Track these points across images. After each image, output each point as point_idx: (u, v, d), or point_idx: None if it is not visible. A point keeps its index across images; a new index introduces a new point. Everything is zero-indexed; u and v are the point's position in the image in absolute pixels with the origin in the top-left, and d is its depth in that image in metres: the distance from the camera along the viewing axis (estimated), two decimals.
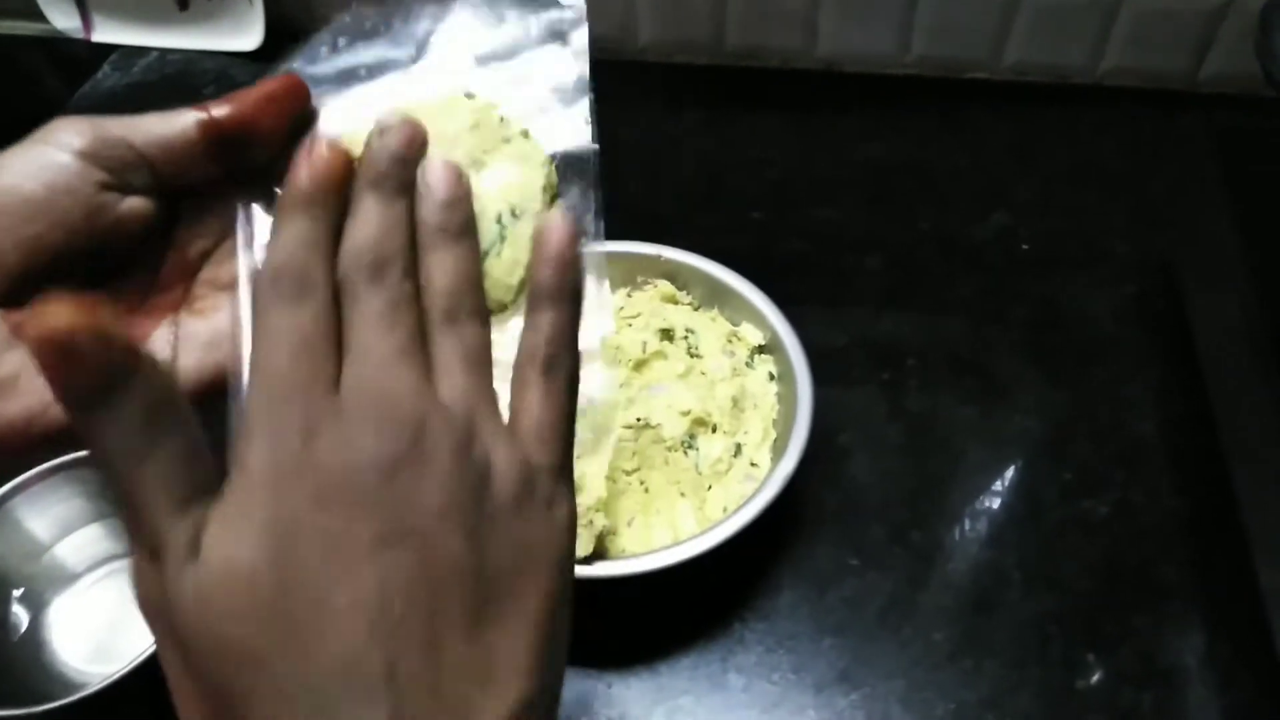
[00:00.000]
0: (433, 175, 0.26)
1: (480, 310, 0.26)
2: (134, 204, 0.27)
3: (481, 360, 0.25)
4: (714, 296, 0.60)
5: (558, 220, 0.26)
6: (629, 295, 0.61)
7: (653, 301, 0.60)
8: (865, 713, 0.48)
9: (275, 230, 0.24)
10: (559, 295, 0.26)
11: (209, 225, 0.29)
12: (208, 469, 0.23)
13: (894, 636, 0.50)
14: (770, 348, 0.58)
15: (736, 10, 0.85)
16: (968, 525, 0.55)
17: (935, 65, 0.85)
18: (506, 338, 0.26)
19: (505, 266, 0.27)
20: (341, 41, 0.29)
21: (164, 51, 0.89)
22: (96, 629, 0.52)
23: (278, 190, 0.26)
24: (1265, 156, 0.57)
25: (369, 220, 0.25)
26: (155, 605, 0.22)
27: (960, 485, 0.57)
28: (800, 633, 0.51)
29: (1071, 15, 0.79)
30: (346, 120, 0.28)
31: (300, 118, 0.28)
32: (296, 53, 0.29)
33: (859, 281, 0.69)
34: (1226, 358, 0.54)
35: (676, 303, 0.60)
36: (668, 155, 0.80)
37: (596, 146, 0.29)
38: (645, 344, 0.57)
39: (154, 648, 0.45)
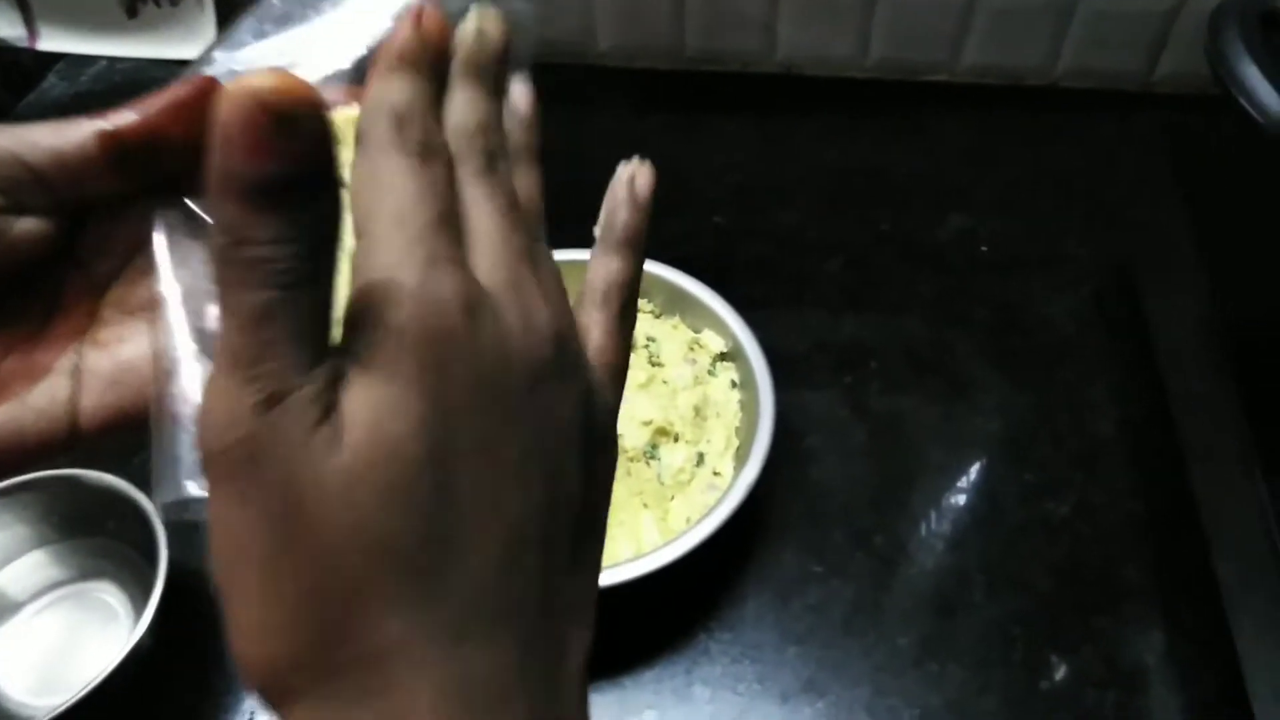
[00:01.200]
0: (516, 91, 0.25)
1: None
2: (29, 225, 0.24)
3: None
4: (675, 304, 0.60)
5: (647, 168, 0.27)
6: None
7: None
8: None
9: (382, 81, 0.22)
10: (637, 243, 0.26)
11: (117, 243, 0.26)
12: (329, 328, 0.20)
13: (859, 642, 0.50)
14: (732, 355, 0.57)
15: (696, 15, 0.84)
16: (930, 528, 0.55)
17: (894, 68, 0.85)
18: None
19: None
20: (268, 27, 0.27)
21: (112, 60, 0.87)
22: (40, 660, 0.51)
23: (193, 205, 0.25)
24: (1215, 155, 0.58)
25: (476, 107, 0.23)
26: (253, 459, 0.19)
27: (923, 488, 0.57)
28: (765, 642, 0.50)
29: (1027, 18, 0.80)
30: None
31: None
32: (218, 42, 0.27)
33: (820, 284, 0.69)
34: (1182, 357, 0.55)
35: (639, 311, 0.60)
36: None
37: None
38: None
39: (101, 679, 0.44)
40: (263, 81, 0.17)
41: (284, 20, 0.27)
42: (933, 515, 0.56)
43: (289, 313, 0.19)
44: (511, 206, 0.23)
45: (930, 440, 0.59)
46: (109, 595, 0.53)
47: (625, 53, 0.87)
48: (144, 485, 0.50)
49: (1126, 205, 0.70)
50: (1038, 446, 0.59)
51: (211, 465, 0.19)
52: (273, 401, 0.19)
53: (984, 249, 0.71)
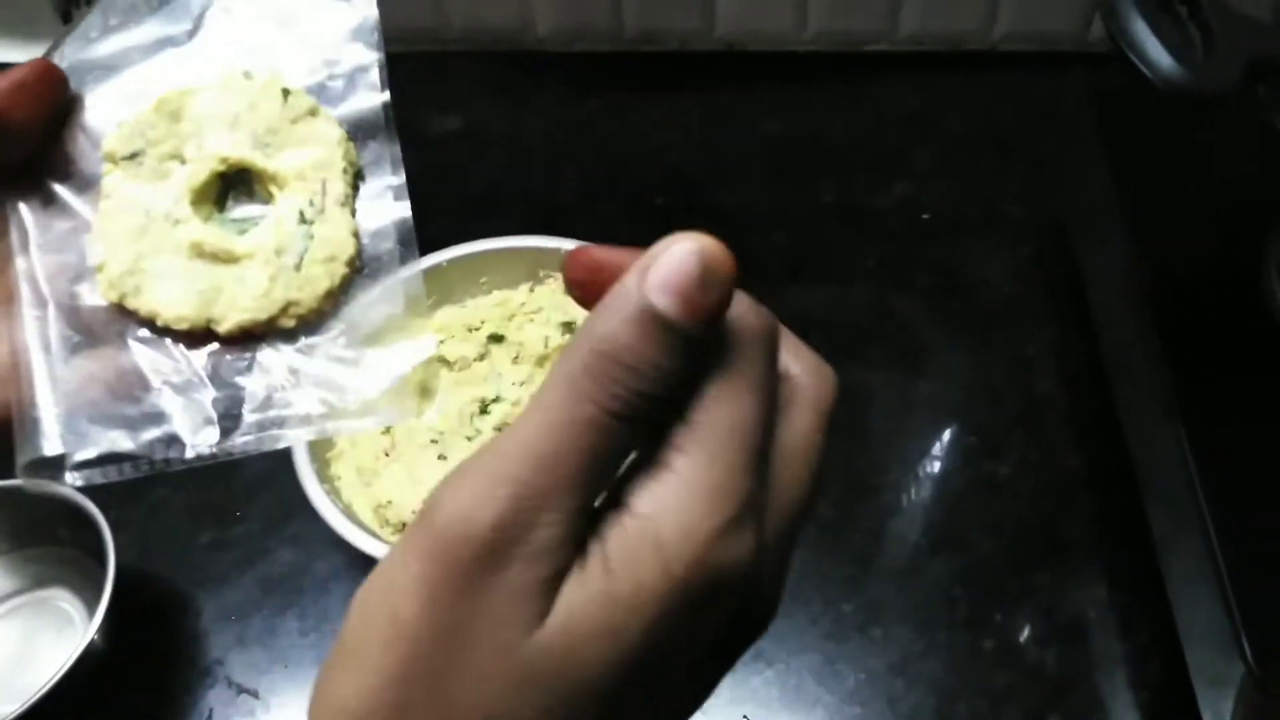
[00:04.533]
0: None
1: None
2: None
3: None
4: None
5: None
6: (531, 290, 0.60)
7: (555, 295, 0.60)
8: (779, 688, 0.49)
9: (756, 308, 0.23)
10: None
11: None
12: None
13: (805, 611, 0.51)
14: None
15: None
16: (876, 494, 0.56)
17: (834, 40, 0.85)
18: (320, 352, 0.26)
19: (319, 270, 0.26)
20: (114, 20, 0.27)
21: None
22: None
23: (54, 185, 0.25)
24: (1139, 114, 0.58)
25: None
26: (463, 570, 0.19)
27: (867, 455, 0.58)
28: None
29: None
30: (116, 108, 0.26)
31: (62, 106, 0.26)
32: (65, 35, 0.27)
33: (764, 258, 0.70)
34: (1113, 315, 0.56)
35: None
36: (570, 145, 0.80)
37: (386, 96, 0.28)
38: (547, 339, 0.57)
39: (52, 683, 0.44)
40: (707, 245, 0.21)
41: (130, 12, 0.27)
42: (877, 482, 0.56)
43: (616, 443, 0.20)
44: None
45: (875, 408, 0.60)
46: (65, 602, 0.54)
47: (564, 37, 0.87)
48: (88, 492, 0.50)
49: (1061, 165, 0.70)
50: (980, 408, 0.60)
51: (433, 540, 0.19)
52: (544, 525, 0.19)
53: (925, 215, 0.72)
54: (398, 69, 0.91)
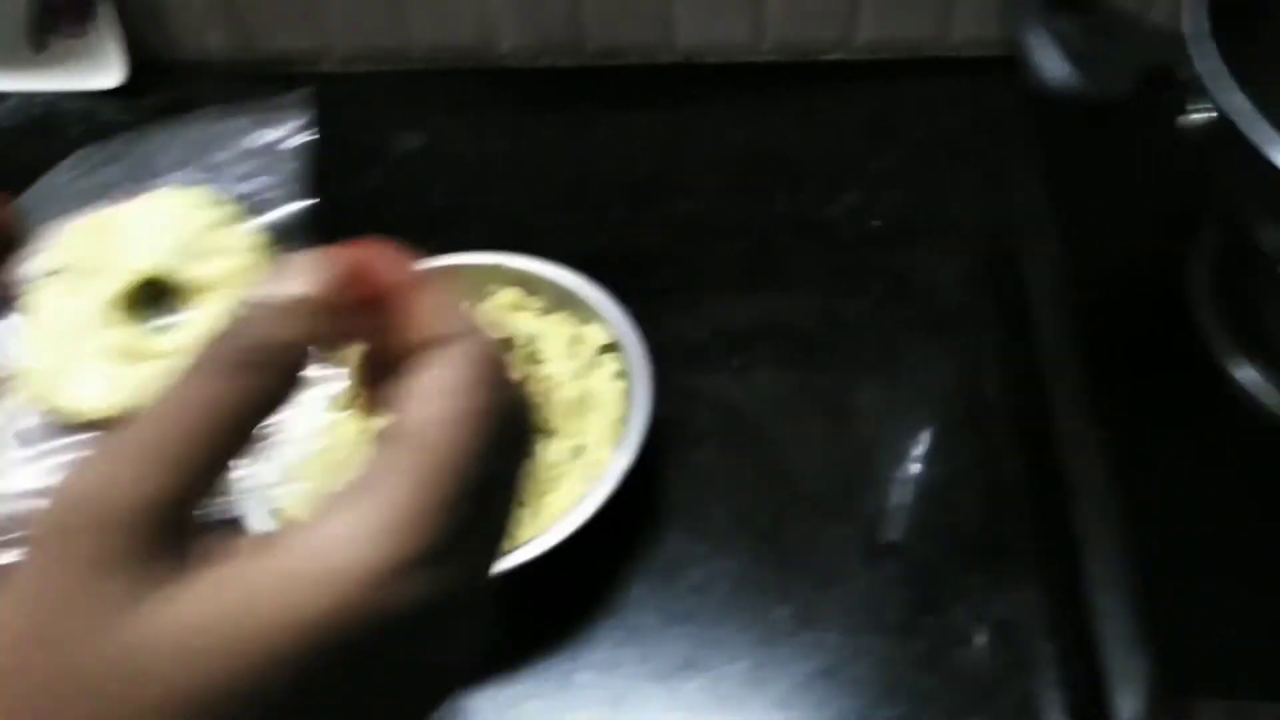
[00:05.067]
0: None
1: None
2: None
3: None
4: (562, 300, 0.61)
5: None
6: (475, 308, 0.61)
7: (496, 311, 0.61)
8: (709, 696, 0.49)
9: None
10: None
11: None
12: None
13: (739, 618, 0.52)
14: (616, 346, 0.59)
15: (593, 11, 0.85)
16: (813, 500, 0.56)
17: (791, 50, 0.86)
18: None
19: None
20: (82, 168, 0.29)
21: (26, 95, 0.88)
22: None
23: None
24: (1075, 119, 0.59)
25: None
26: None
27: (807, 462, 0.58)
28: (648, 625, 0.52)
29: None
30: (59, 241, 0.28)
31: (17, 239, 0.28)
32: (40, 180, 0.29)
33: (717, 270, 0.71)
34: (1045, 320, 0.56)
35: (523, 310, 0.61)
36: (531, 160, 0.81)
37: (308, 203, 0.30)
38: None
39: None
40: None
41: (96, 164, 0.29)
42: (816, 488, 0.57)
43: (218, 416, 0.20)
44: None
45: (817, 415, 0.61)
46: None
47: (527, 53, 0.88)
48: None
49: (1010, 170, 0.71)
50: (923, 412, 0.60)
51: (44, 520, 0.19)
52: None
53: (876, 223, 0.72)
54: (362, 89, 0.94)
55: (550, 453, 0.54)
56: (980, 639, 0.50)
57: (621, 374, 0.58)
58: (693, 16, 0.85)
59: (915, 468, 0.57)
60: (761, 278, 0.70)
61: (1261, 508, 0.45)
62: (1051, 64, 0.41)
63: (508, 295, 0.62)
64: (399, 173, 0.80)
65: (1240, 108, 0.37)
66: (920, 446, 0.58)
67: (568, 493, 0.52)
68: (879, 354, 0.63)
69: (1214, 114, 0.39)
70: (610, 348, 0.59)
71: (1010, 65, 0.82)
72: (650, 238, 0.73)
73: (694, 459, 0.59)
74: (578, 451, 0.54)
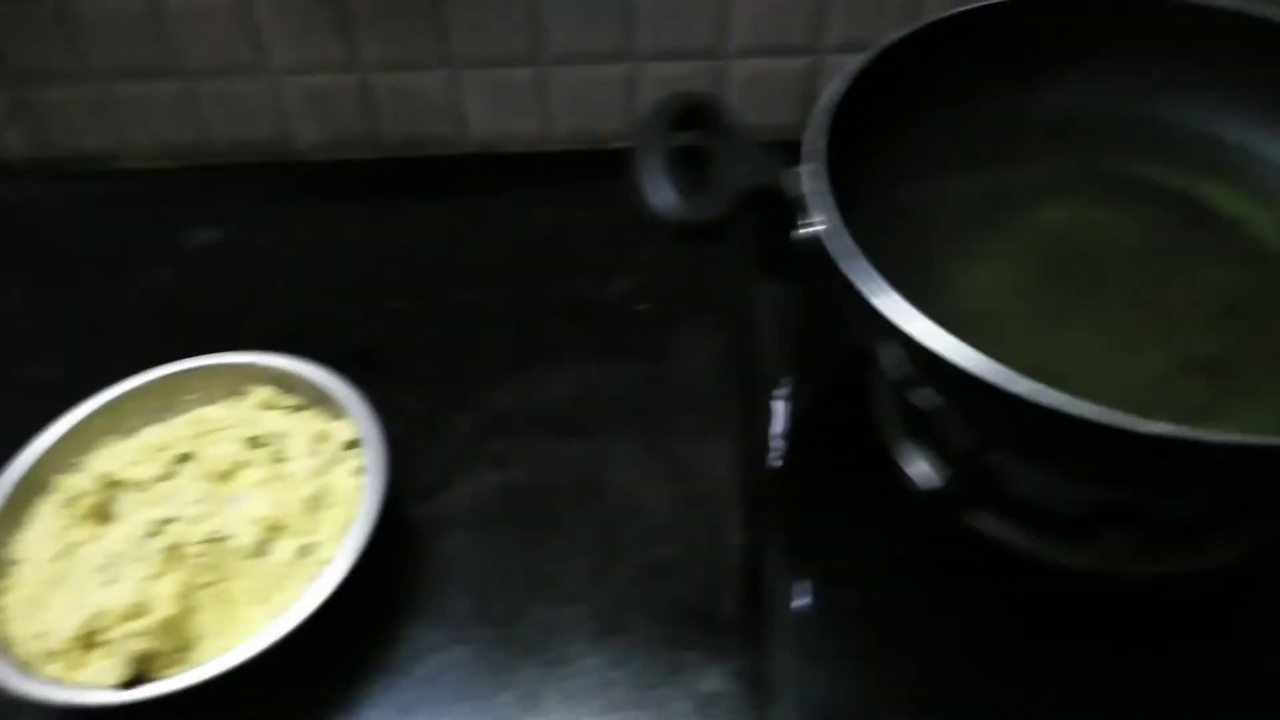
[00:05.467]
0: None
1: None
2: None
3: None
4: (315, 397, 0.63)
5: None
6: (228, 408, 0.63)
7: (247, 410, 0.62)
8: None
9: None
10: None
11: None
12: None
13: (468, 706, 0.53)
14: (361, 442, 0.60)
15: (388, 107, 0.89)
16: (549, 586, 0.59)
17: (579, 139, 0.90)
18: None
19: None
20: None
21: None
22: None
23: None
24: None
25: None
26: None
27: (549, 549, 0.60)
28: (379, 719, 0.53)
29: (684, 83, 0.86)
30: None
31: None
32: None
33: (488, 358, 0.73)
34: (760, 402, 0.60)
35: (274, 408, 0.63)
36: (321, 253, 0.83)
37: None
38: (232, 456, 0.59)
39: None
40: None
41: None
42: (552, 573, 0.59)
43: None
44: None
45: (562, 503, 0.63)
46: None
47: (326, 147, 0.91)
48: None
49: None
50: (661, 494, 0.63)
51: None
52: None
53: (642, 305, 0.76)
54: (161, 185, 0.96)
55: (278, 551, 0.55)
56: (691, 714, 0.52)
57: (361, 470, 0.59)
58: (482, 111, 0.89)
59: (644, 550, 0.60)
60: (527, 364, 0.72)
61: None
62: (657, 192, 0.44)
63: (262, 393, 0.63)
64: (187, 268, 0.81)
65: (834, 227, 0.41)
66: (651, 529, 0.61)
67: (292, 592, 0.54)
68: (624, 439, 0.66)
69: (819, 228, 0.43)
70: (355, 444, 0.61)
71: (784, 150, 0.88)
72: (424, 328, 0.76)
73: (441, 549, 0.61)
74: (306, 550, 0.55)
